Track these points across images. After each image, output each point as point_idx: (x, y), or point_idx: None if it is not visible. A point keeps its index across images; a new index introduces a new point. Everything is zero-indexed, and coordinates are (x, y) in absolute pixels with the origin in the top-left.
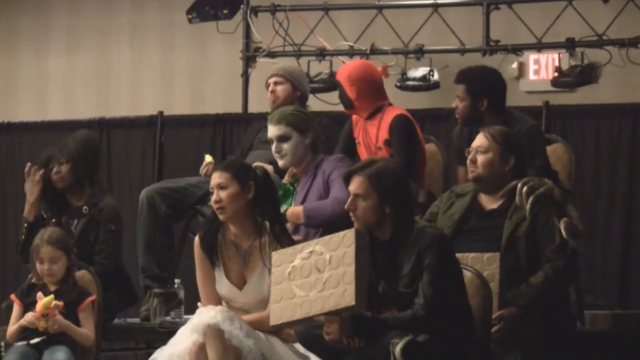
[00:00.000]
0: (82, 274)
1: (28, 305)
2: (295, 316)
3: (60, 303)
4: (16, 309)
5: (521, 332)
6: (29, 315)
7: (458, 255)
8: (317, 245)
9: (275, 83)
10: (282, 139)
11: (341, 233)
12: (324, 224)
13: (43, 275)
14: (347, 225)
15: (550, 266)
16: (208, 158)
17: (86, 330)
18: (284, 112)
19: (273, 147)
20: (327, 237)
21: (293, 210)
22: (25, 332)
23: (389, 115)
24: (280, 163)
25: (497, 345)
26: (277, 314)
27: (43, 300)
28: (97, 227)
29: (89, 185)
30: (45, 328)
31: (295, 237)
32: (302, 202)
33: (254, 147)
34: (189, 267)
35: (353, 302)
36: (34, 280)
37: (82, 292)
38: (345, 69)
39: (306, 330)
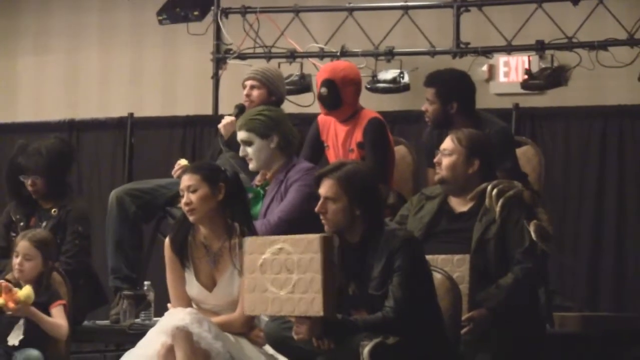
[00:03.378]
0: (52, 276)
1: None
2: (268, 311)
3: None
4: None
5: (491, 334)
6: None
7: (428, 257)
8: (286, 243)
9: (252, 87)
10: (245, 143)
11: (309, 236)
12: None
13: (14, 270)
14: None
15: (519, 268)
16: (183, 161)
17: (59, 320)
18: (247, 117)
19: (240, 149)
20: (296, 237)
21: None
22: None
23: (364, 118)
24: (250, 166)
25: (467, 347)
26: (251, 304)
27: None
28: (64, 228)
29: (61, 189)
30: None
31: None
32: (267, 208)
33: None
34: (158, 268)
35: (321, 313)
36: (8, 276)
37: (53, 294)
38: (339, 69)
39: (276, 332)
